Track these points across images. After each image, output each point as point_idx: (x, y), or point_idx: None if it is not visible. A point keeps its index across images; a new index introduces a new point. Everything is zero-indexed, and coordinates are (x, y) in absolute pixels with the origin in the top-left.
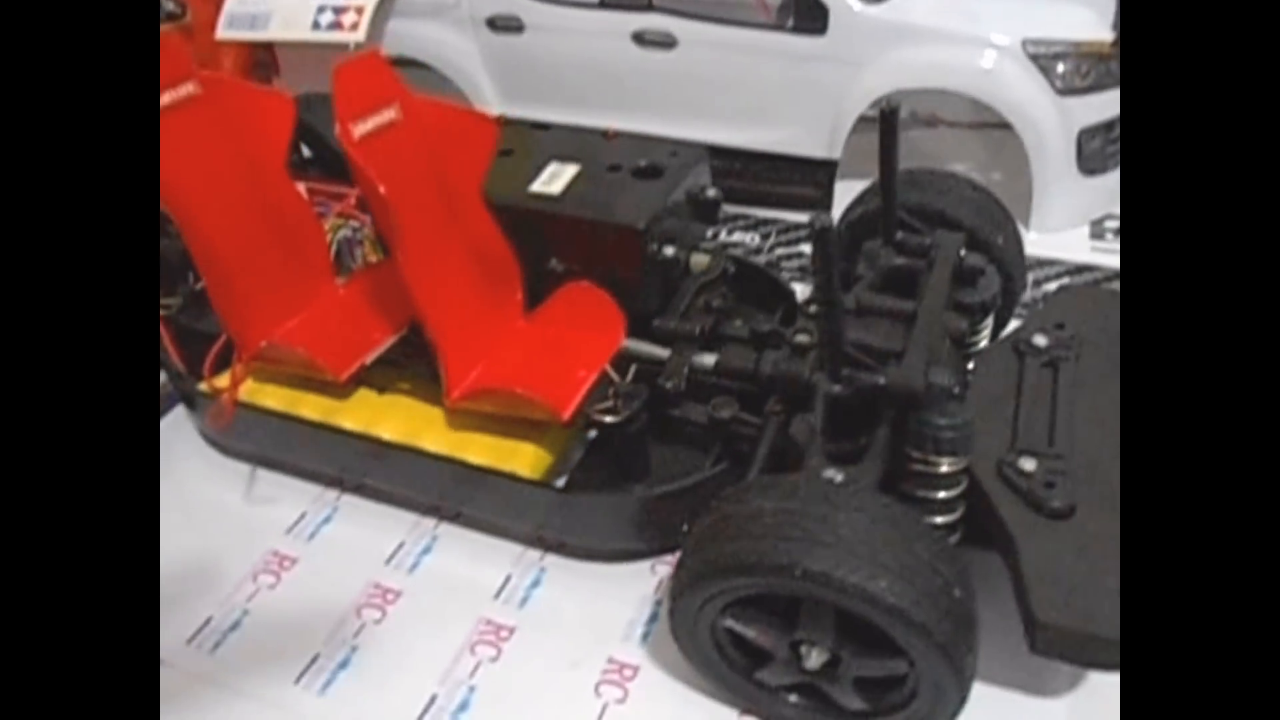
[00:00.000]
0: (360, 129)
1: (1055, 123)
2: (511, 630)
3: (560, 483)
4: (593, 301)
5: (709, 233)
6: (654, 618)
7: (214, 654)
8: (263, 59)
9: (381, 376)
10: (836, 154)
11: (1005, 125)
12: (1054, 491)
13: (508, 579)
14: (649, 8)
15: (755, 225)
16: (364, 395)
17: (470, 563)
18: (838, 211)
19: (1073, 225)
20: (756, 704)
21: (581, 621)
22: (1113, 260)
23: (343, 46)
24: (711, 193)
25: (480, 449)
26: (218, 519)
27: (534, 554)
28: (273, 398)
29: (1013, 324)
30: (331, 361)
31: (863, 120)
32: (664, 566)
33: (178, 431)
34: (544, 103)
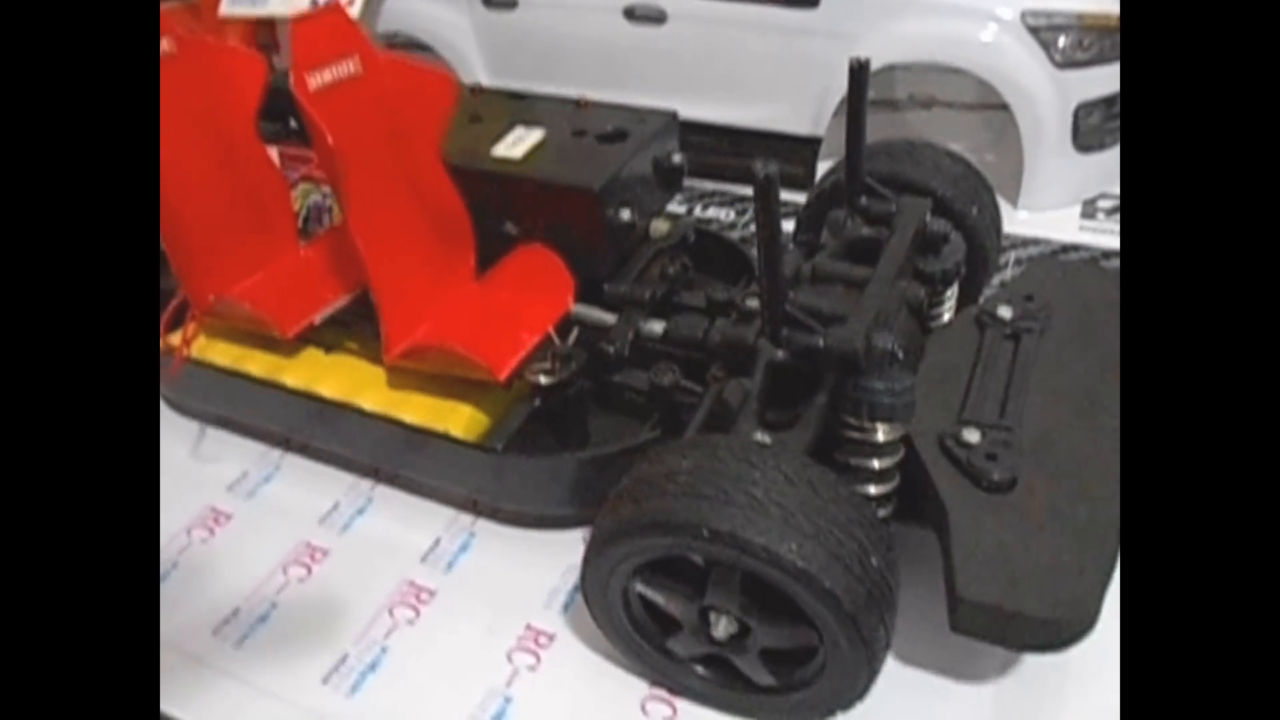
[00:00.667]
0: (316, 80)
1: (1050, 96)
2: (433, 593)
3: (498, 447)
4: (544, 265)
5: (685, 210)
6: (577, 587)
7: None
8: (266, 39)
9: (331, 336)
10: (821, 131)
11: (1004, 107)
12: (995, 464)
13: (436, 542)
14: None
15: (731, 201)
16: (310, 354)
17: (402, 526)
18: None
19: (1065, 204)
20: (666, 675)
21: (504, 587)
22: (1101, 240)
23: None
24: (677, 159)
25: (417, 409)
26: (161, 473)
27: (466, 519)
28: (221, 354)
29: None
30: (279, 318)
31: None
32: None
33: None
34: (536, 78)
